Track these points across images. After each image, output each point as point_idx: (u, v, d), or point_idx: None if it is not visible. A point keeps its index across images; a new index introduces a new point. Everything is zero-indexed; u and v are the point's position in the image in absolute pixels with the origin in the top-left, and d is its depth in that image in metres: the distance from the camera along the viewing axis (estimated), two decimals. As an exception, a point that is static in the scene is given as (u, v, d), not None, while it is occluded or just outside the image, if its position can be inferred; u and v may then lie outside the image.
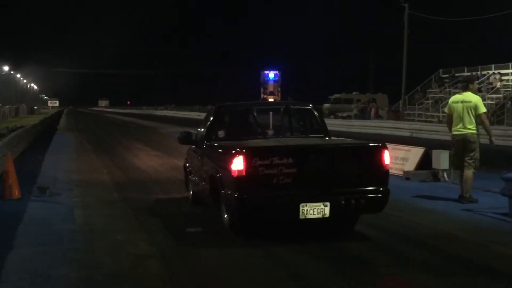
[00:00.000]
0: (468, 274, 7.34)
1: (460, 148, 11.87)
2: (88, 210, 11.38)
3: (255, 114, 10.75)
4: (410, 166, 15.78)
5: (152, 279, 7.13)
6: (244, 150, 8.55)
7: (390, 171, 16.05)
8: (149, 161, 20.98)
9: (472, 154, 11.73)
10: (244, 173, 8.44)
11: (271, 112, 11.16)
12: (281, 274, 7.30)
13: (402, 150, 16.90)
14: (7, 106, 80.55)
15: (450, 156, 12.71)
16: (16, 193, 12.30)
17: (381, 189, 8.93)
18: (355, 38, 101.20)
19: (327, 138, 10.65)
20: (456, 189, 12.31)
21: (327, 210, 8.62)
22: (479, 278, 7.16)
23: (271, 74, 68.94)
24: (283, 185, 8.53)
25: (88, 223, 10.19)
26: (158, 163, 20.20)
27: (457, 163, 12.12)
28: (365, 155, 9.14)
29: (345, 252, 8.32)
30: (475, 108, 11.71)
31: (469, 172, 11.74)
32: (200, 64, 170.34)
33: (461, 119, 11.78)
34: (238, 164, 8.45)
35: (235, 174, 8.47)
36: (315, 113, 11.07)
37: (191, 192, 11.83)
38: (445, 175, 14.73)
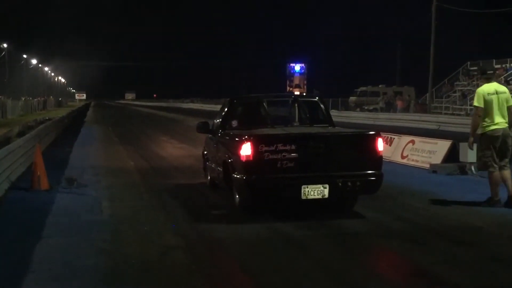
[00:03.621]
0: (491, 266, 7.30)
1: (500, 144, 10.54)
2: (115, 201, 11.49)
3: (265, 106, 11.57)
4: (437, 159, 15.68)
5: (178, 269, 7.20)
6: (251, 138, 9.56)
7: (417, 164, 16.25)
8: (174, 152, 21.19)
9: (510, 150, 10.60)
10: (251, 158, 9.44)
11: (296, 105, 11.90)
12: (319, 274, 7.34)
13: (429, 143, 16.81)
14: (35, 99, 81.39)
15: (487, 151, 10.60)
16: (44, 184, 12.45)
17: (375, 172, 9.85)
18: (383, 30, 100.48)
19: (330, 128, 11.38)
20: (483, 183, 11.97)
21: (326, 192, 9.54)
22: (504, 270, 7.13)
23: (297, 67, 68.95)
24: (286, 169, 9.49)
25: (115, 214, 10.30)
26: (183, 154, 20.37)
27: (496, 162, 10.55)
28: (360, 142, 10.13)
29: (380, 250, 8.32)
30: (508, 99, 10.64)
31: (508, 172, 10.60)
32: (226, 57, 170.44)
33: (499, 112, 10.51)
34: (246, 150, 9.45)
35: (243, 159, 9.49)
36: (321, 105, 11.98)
37: (209, 178, 12.76)
38: (473, 168, 14.59)
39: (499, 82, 11.09)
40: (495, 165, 10.55)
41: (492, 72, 11.28)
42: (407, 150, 17.27)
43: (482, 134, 10.67)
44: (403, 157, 17.25)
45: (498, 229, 9.13)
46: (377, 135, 10.00)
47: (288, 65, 70.50)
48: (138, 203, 11.43)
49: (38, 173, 12.42)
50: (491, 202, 10.62)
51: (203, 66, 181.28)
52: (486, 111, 10.54)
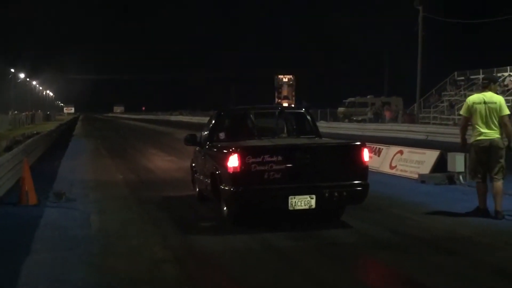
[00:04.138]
0: (481, 275, 7.31)
1: (485, 155, 10.39)
2: (104, 215, 11.45)
3: (252, 118, 11.64)
4: (425, 169, 15.73)
5: (168, 283, 7.17)
6: (238, 149, 9.65)
7: (405, 174, 16.30)
8: (163, 165, 21.17)
9: (500, 162, 10.33)
10: (238, 170, 9.50)
11: (283, 116, 12.04)
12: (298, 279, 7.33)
13: (417, 153, 16.87)
14: (23, 113, 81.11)
15: (472, 162, 10.71)
16: (32, 199, 12.38)
17: (361, 182, 9.93)
18: (370, 41, 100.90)
19: (316, 139, 11.44)
20: (472, 192, 11.91)
21: (313, 202, 9.62)
22: (494, 279, 7.14)
23: (285, 79, 69.02)
24: (273, 180, 9.57)
25: (104, 228, 10.25)
26: (172, 166, 20.36)
27: (482, 173, 10.51)
28: (346, 153, 10.24)
29: (369, 260, 8.32)
30: (499, 109, 10.36)
31: (498, 184, 10.35)
32: (216, 68, 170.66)
33: (485, 122, 10.33)
34: (233, 161, 9.51)
35: (231, 171, 9.54)
36: (308, 116, 12.05)
37: (197, 190, 12.69)
38: (461, 178, 14.65)
39: (495, 92, 10.82)
40: (479, 175, 10.54)
41: (487, 81, 10.97)
42: (396, 160, 17.31)
43: (470, 144, 10.66)
44: (391, 168, 17.29)
45: (487, 239, 9.14)
46: (363, 145, 10.10)
47: (276, 76, 70.58)
48: (127, 216, 11.39)
49: (26, 188, 12.36)
50: (478, 212, 10.59)
51: (191, 78, 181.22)
52: (473, 121, 10.48)
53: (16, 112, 79.63)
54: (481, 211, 10.57)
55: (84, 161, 23.30)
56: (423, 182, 15.09)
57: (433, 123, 45.11)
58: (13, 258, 8.23)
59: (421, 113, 49.18)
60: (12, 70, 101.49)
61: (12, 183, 14.56)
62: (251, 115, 11.70)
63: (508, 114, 10.48)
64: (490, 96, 10.51)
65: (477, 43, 77.34)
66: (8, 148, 24.88)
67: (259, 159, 9.53)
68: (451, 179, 14.76)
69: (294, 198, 9.54)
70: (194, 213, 11.68)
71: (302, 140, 11.18)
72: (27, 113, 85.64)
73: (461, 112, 10.82)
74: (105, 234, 9.82)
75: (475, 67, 51.03)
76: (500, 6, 51.19)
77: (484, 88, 10.78)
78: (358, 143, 10.24)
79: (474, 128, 10.51)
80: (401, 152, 17.48)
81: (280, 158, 9.60)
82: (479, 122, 10.38)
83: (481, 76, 46.30)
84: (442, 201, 12.40)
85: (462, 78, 51.79)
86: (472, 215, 10.59)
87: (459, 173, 14.71)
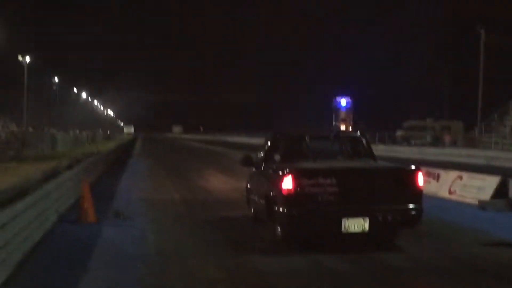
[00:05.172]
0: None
1: None
2: (160, 234, 11.57)
3: (308, 140, 11.74)
4: (486, 195, 15.39)
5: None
6: (292, 171, 9.73)
7: (464, 199, 15.98)
8: (219, 185, 21.26)
9: None
10: (292, 191, 9.60)
11: (338, 140, 12.26)
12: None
13: (477, 179, 16.53)
14: (84, 133, 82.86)
15: None
16: (92, 217, 12.61)
17: (415, 207, 9.90)
18: (431, 64, 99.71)
19: (371, 162, 11.45)
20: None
21: (366, 225, 9.64)
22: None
23: (343, 102, 68.82)
24: (327, 202, 9.63)
25: (160, 247, 10.36)
26: (228, 187, 20.41)
27: None
28: (401, 177, 10.24)
29: (423, 286, 8.18)
30: None
31: None
32: (272, 90, 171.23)
33: None
34: (287, 183, 9.63)
35: (285, 192, 9.64)
36: (363, 140, 12.15)
37: (252, 210, 12.78)
38: (523, 205, 14.27)
39: None
40: None
41: None
42: (455, 185, 17.00)
43: None
44: (450, 193, 16.99)
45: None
46: (417, 170, 10.13)
47: (334, 99, 70.43)
48: (183, 236, 11.48)
49: (86, 206, 12.60)
50: None
51: (249, 100, 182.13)
52: None
53: (77, 131, 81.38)
54: None
55: (142, 180, 23.60)
56: (483, 208, 14.76)
57: (495, 148, 44.16)
58: (71, 275, 8.38)
59: (482, 138, 48.22)
60: (75, 89, 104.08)
61: (72, 201, 14.86)
62: (306, 138, 11.79)
63: None
64: None
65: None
66: (69, 167, 25.42)
67: (313, 181, 9.62)
68: (513, 206, 14.40)
69: (348, 220, 9.58)
70: (249, 233, 11.69)
71: (357, 163, 11.20)
72: (88, 132, 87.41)
73: None
74: (161, 253, 9.91)
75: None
76: None
77: None
78: (413, 167, 10.27)
79: None
80: (460, 177, 17.16)
81: (334, 180, 9.68)
82: None
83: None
84: (503, 228, 12.10)
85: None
86: None
87: (521, 199, 14.35)
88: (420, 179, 10.00)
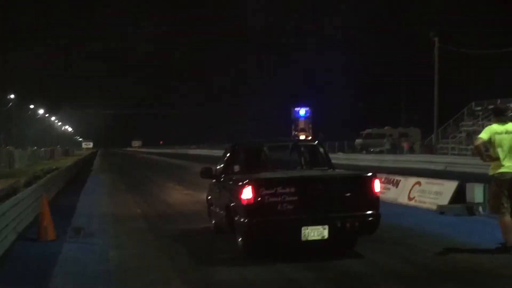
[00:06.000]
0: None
1: (510, 188, 10.00)
2: (122, 250, 11.46)
3: (266, 151, 11.79)
4: (444, 200, 15.62)
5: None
6: (252, 182, 9.76)
7: (424, 205, 16.20)
8: (180, 198, 21.23)
9: None
10: (252, 201, 9.63)
11: (296, 149, 12.25)
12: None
13: (436, 184, 16.77)
14: (42, 149, 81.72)
15: (495, 195, 10.18)
16: (51, 234, 12.44)
17: (372, 213, 10.00)
18: (386, 72, 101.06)
19: (329, 170, 11.51)
20: (491, 224, 11.95)
21: (325, 232, 9.71)
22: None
23: (302, 111, 69.08)
24: (286, 211, 9.67)
25: (122, 263, 10.26)
26: (189, 200, 20.41)
27: (507, 207, 10.00)
28: (358, 184, 10.33)
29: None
30: None
31: None
32: (231, 101, 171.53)
33: (509, 154, 9.99)
34: (247, 193, 9.65)
35: (244, 203, 9.67)
36: (320, 148, 12.19)
37: (213, 221, 12.80)
38: (480, 209, 14.52)
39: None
40: (503, 210, 10.05)
41: (499, 112, 10.64)
42: (414, 191, 17.22)
43: (491, 176, 10.28)
44: (410, 199, 17.20)
45: (509, 271, 9.02)
46: (374, 176, 10.24)
47: (293, 109, 70.71)
48: (145, 250, 11.40)
49: (45, 223, 12.42)
50: (506, 248, 10.00)
51: (207, 112, 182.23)
52: (493, 152, 10.09)
53: (35, 147, 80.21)
54: (507, 248, 9.98)
55: (102, 195, 23.38)
56: (442, 213, 14.99)
57: (451, 154, 44.86)
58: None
59: (439, 144, 48.97)
60: (31, 106, 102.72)
61: (31, 218, 14.64)
62: (264, 148, 11.85)
63: None
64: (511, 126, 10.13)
65: (495, 74, 77.02)
66: (28, 184, 25.06)
67: (272, 191, 9.67)
68: (471, 210, 14.63)
69: (307, 228, 9.64)
70: (211, 245, 11.66)
71: (315, 172, 11.31)
72: (46, 148, 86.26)
73: (480, 135, 10.23)
74: (124, 269, 9.82)
75: (492, 98, 50.74)
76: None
77: (500, 120, 10.33)
78: (369, 174, 10.38)
79: (493, 160, 10.14)
80: (419, 183, 17.39)
81: (292, 189, 9.73)
82: (501, 154, 9.99)
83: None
84: (462, 232, 12.28)
85: (480, 108, 51.55)
86: (501, 251, 10.02)
87: (478, 204, 14.60)
88: (377, 185, 10.14)
